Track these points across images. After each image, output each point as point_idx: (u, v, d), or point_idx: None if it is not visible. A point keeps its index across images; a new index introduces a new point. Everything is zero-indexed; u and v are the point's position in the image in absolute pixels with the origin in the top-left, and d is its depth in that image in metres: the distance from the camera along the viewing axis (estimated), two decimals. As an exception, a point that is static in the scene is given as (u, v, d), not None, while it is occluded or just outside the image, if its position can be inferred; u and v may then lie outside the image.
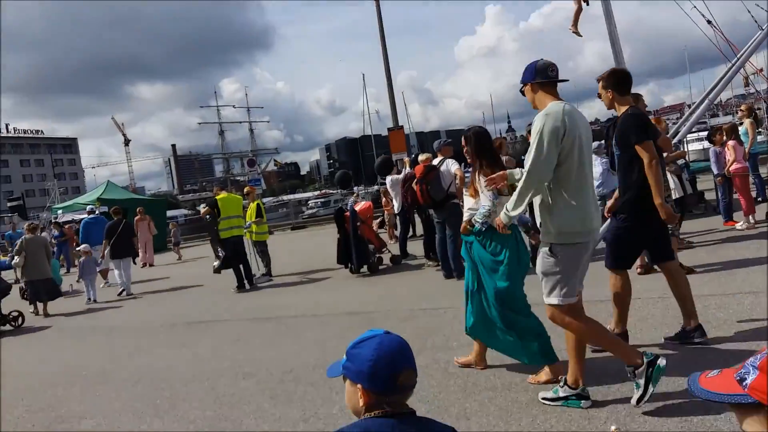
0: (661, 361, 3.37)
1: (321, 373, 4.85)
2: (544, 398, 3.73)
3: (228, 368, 5.62)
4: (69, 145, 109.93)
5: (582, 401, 3.59)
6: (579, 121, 3.51)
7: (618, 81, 4.50)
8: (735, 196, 9.45)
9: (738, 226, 8.91)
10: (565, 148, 3.41)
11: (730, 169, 9.16)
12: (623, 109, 4.50)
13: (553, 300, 3.55)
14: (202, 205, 12.31)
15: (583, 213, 3.47)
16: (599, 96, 4.60)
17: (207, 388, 5.12)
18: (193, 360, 6.14)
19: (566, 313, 3.55)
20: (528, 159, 3.52)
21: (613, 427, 1.28)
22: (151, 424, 4.44)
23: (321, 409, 4.23)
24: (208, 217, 11.47)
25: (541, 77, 3.63)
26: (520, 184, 3.54)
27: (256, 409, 4.43)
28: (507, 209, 3.67)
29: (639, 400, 3.40)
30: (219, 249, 12.18)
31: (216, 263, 12.13)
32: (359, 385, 1.47)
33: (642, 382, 3.38)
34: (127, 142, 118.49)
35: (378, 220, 15.20)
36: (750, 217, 8.89)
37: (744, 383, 0.89)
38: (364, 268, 10.10)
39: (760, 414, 0.87)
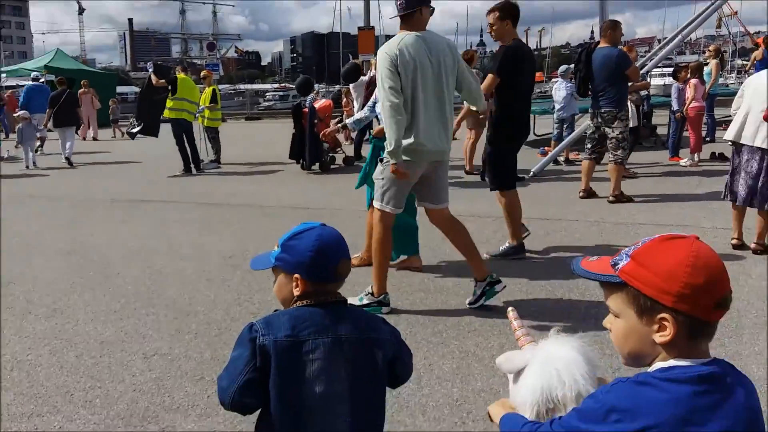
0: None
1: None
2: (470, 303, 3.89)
3: (166, 248, 5.59)
4: (18, 8, 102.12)
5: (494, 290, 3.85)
6: (419, 48, 3.62)
7: (514, 13, 4.63)
8: (685, 133, 9.65)
9: (682, 162, 9.17)
10: (399, 75, 3.57)
11: (689, 108, 9.28)
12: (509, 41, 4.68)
13: (376, 203, 3.88)
14: (150, 66, 11.25)
15: (413, 134, 3.63)
16: (491, 26, 4.68)
17: (143, 265, 5.08)
18: (131, 237, 6.07)
19: (381, 220, 3.83)
20: (378, 92, 3.65)
21: (509, 308, 1.38)
22: (82, 295, 4.41)
23: (256, 295, 4.27)
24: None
25: (397, 12, 3.76)
26: (383, 123, 3.63)
27: (191, 290, 4.45)
28: (387, 149, 3.65)
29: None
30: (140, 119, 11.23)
31: (134, 129, 11.29)
32: (296, 275, 1.51)
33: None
34: (81, 10, 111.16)
35: (336, 120, 14.92)
36: (695, 155, 9.14)
37: (616, 267, 1.07)
38: (316, 166, 10.02)
39: (623, 292, 1.06)
